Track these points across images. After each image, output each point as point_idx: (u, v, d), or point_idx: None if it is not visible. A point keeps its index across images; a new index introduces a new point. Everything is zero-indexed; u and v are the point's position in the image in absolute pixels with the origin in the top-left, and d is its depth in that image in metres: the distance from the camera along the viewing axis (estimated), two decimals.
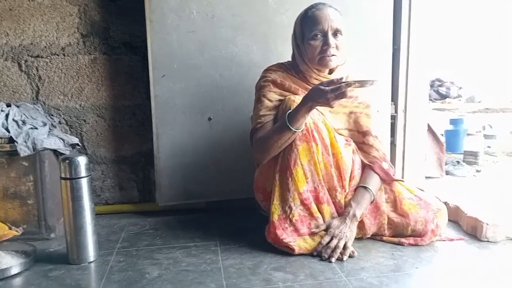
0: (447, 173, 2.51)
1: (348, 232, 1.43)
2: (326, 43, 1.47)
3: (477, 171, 2.61)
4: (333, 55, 1.48)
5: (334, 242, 1.40)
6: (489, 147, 3.37)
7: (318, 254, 1.41)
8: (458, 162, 2.74)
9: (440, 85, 3.75)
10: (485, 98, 3.87)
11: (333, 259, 1.37)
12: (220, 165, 1.86)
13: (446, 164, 2.54)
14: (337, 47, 1.48)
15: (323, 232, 1.45)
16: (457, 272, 1.30)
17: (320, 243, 1.42)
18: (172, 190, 1.85)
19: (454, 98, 3.74)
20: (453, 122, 3.42)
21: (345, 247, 1.40)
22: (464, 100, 3.81)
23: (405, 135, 1.97)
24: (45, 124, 1.71)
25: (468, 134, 3.35)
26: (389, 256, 1.40)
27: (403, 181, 1.58)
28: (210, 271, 1.33)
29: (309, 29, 1.48)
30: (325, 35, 1.47)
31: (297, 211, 1.45)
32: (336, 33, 1.48)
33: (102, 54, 1.89)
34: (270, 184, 1.54)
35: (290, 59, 1.64)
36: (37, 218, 1.62)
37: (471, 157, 2.85)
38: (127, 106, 1.93)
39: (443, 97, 3.70)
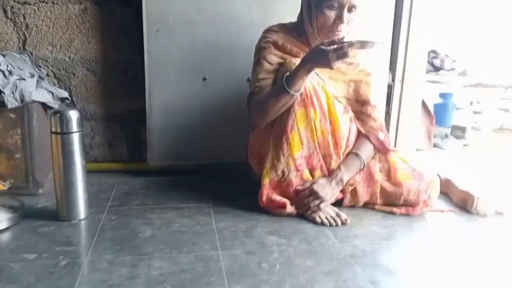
0: (435, 145, 2.53)
1: (329, 193, 1.44)
2: (339, 17, 1.39)
3: (464, 145, 2.64)
4: (341, 31, 1.42)
5: (310, 198, 1.42)
6: (475, 122, 3.41)
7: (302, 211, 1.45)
8: (446, 135, 2.77)
9: (434, 57, 3.73)
10: (477, 72, 3.88)
11: (300, 211, 1.44)
12: (214, 127, 1.82)
13: (434, 137, 2.56)
14: (347, 23, 1.42)
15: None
16: (448, 242, 1.32)
17: (300, 195, 1.44)
18: (164, 151, 1.81)
19: (448, 71, 3.72)
20: (443, 96, 3.42)
21: (319, 207, 1.42)
22: (456, 73, 3.81)
23: (400, 105, 1.96)
24: (32, 76, 1.63)
25: (458, 109, 3.37)
26: (381, 225, 1.41)
27: (398, 151, 1.59)
28: (204, 232, 1.32)
29: None
30: (341, 8, 1.39)
31: (290, 176, 1.45)
32: (351, 8, 1.40)
33: (94, 4, 1.79)
34: (265, 149, 1.52)
35: (290, 20, 1.59)
36: (24, 173, 1.57)
37: (459, 131, 2.88)
38: (119, 61, 1.85)
39: (437, 69, 3.68)
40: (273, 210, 1.46)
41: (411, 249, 1.28)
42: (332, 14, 1.41)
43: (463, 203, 1.57)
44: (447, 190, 1.68)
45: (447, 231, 1.41)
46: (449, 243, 1.32)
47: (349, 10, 1.41)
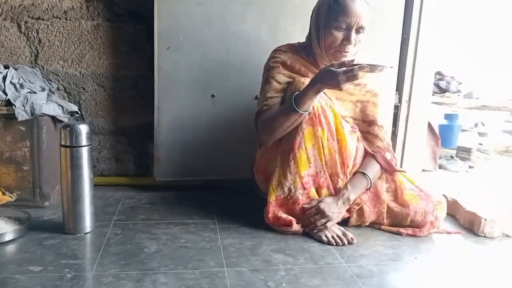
0: (440, 167, 2.53)
1: (336, 212, 1.43)
2: (347, 38, 1.42)
3: (470, 167, 2.63)
4: (348, 52, 1.45)
5: (317, 217, 1.42)
6: (480, 144, 3.41)
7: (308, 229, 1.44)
8: (451, 157, 2.76)
9: (440, 79, 3.73)
10: (483, 95, 3.88)
11: (306, 230, 1.43)
12: (221, 143, 1.83)
13: (439, 158, 2.55)
14: (355, 44, 1.44)
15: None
16: (455, 265, 1.31)
17: (306, 213, 1.43)
18: (170, 166, 1.82)
19: (454, 93, 3.73)
20: (448, 117, 3.43)
21: (325, 226, 1.41)
22: (462, 95, 3.82)
23: (407, 126, 1.97)
24: (43, 89, 1.65)
25: (463, 130, 3.37)
26: (388, 245, 1.40)
27: (405, 172, 1.58)
28: (209, 249, 1.32)
29: (335, 17, 1.41)
30: (349, 29, 1.41)
31: (297, 194, 1.44)
32: (359, 29, 1.43)
33: (106, 20, 1.82)
34: (271, 166, 1.52)
35: (299, 40, 1.61)
36: (31, 185, 1.58)
37: (464, 153, 2.87)
38: (129, 76, 1.88)
39: (443, 91, 3.69)
40: (278, 228, 1.46)
41: (418, 271, 1.27)
42: (340, 35, 1.43)
43: (470, 225, 1.56)
44: (453, 212, 1.67)
45: (454, 253, 1.40)
46: (457, 265, 1.31)
47: (357, 32, 1.44)
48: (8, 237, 1.31)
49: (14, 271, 1.14)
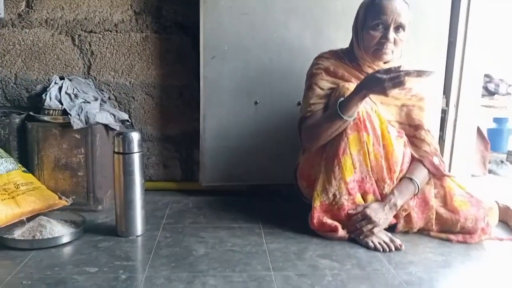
0: (490, 172, 2.44)
1: (382, 218, 1.41)
2: (385, 36, 1.43)
3: None
4: (389, 49, 1.45)
5: (363, 223, 1.40)
6: None
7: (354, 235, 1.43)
8: (502, 161, 2.66)
9: (488, 81, 3.58)
10: None
11: (352, 236, 1.41)
12: (264, 149, 1.85)
13: (489, 163, 2.47)
14: (395, 42, 1.45)
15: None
16: (508, 273, 1.27)
17: (352, 219, 1.42)
18: (215, 171, 1.86)
19: (503, 95, 3.58)
20: (497, 120, 3.31)
21: (372, 232, 1.39)
22: None
23: (455, 130, 1.92)
24: (96, 99, 1.74)
25: None
26: (437, 252, 1.37)
27: (454, 176, 1.54)
28: (255, 253, 1.34)
29: (372, 18, 1.44)
30: (386, 27, 1.43)
31: (342, 200, 1.44)
32: (398, 27, 1.43)
33: (154, 32, 1.90)
34: (315, 172, 1.53)
35: (342, 47, 1.61)
36: (86, 190, 1.66)
37: None
38: (175, 86, 1.94)
39: (491, 93, 3.55)
40: (323, 234, 1.46)
41: (470, 278, 1.24)
42: (377, 34, 1.44)
43: None
44: (505, 218, 1.61)
45: (507, 260, 1.35)
46: (510, 273, 1.26)
47: (396, 30, 1.44)
48: (65, 240, 1.38)
49: (72, 272, 1.20)
